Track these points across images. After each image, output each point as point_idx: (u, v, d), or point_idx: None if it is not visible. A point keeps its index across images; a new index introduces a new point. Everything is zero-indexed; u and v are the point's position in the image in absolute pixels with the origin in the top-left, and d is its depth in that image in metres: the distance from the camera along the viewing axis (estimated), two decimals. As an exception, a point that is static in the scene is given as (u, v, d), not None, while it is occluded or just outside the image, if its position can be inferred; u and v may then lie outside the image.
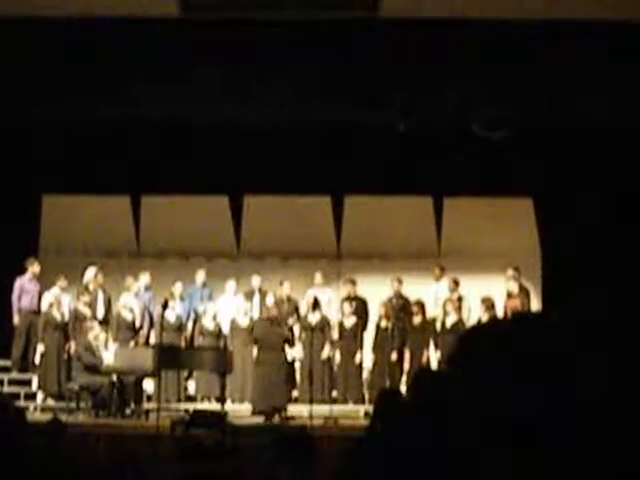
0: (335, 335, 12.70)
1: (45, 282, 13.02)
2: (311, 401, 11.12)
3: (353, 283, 13.18)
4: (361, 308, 12.90)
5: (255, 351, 12.15)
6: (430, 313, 12.67)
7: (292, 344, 12.41)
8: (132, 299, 12.76)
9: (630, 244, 12.60)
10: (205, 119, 12.43)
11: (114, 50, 10.50)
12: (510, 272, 12.86)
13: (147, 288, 13.27)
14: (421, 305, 12.52)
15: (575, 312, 1.02)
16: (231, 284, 13.38)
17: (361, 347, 12.58)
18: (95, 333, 11.81)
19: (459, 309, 12.38)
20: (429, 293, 13.07)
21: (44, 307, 12.67)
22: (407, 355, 12.35)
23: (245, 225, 14.32)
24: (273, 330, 11.99)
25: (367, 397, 12.28)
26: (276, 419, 11.45)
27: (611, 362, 0.95)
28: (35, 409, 11.98)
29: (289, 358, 12.26)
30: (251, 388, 12.04)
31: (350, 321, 12.64)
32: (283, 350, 11.99)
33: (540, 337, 0.99)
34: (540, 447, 0.92)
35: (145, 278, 13.25)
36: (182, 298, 13.11)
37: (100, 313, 12.82)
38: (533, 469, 0.92)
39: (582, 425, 0.92)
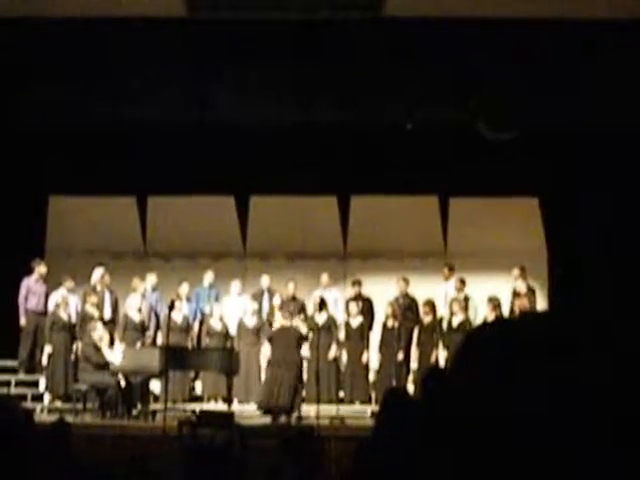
0: (342, 335, 12.68)
1: (51, 283, 13.02)
2: (318, 401, 11.11)
3: (359, 283, 13.17)
4: (367, 308, 12.89)
5: (264, 350, 12.11)
6: (441, 313, 12.64)
7: (306, 340, 12.19)
8: (139, 300, 12.75)
9: (636, 243, 12.57)
10: (211, 119, 12.42)
11: (119, 50, 10.52)
12: (516, 272, 12.85)
13: (154, 289, 13.28)
14: (432, 305, 12.49)
15: (582, 312, 1.01)
16: (236, 284, 13.35)
17: (368, 347, 12.56)
18: (99, 334, 11.79)
19: (465, 309, 12.36)
20: (438, 293, 13.04)
21: (51, 308, 12.67)
22: (415, 355, 12.34)
23: (251, 225, 14.31)
24: (288, 329, 11.83)
25: (374, 397, 12.26)
26: (283, 419, 11.43)
27: (619, 362, 0.95)
28: (42, 410, 11.97)
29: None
30: (259, 387, 12.00)
31: (356, 321, 12.63)
32: (298, 348, 11.83)
33: (547, 336, 0.98)
34: (543, 447, 0.91)
35: (152, 279, 13.26)
36: (189, 299, 13.12)
37: (107, 314, 12.83)
38: (535, 469, 0.92)
39: (588, 425, 0.91)
